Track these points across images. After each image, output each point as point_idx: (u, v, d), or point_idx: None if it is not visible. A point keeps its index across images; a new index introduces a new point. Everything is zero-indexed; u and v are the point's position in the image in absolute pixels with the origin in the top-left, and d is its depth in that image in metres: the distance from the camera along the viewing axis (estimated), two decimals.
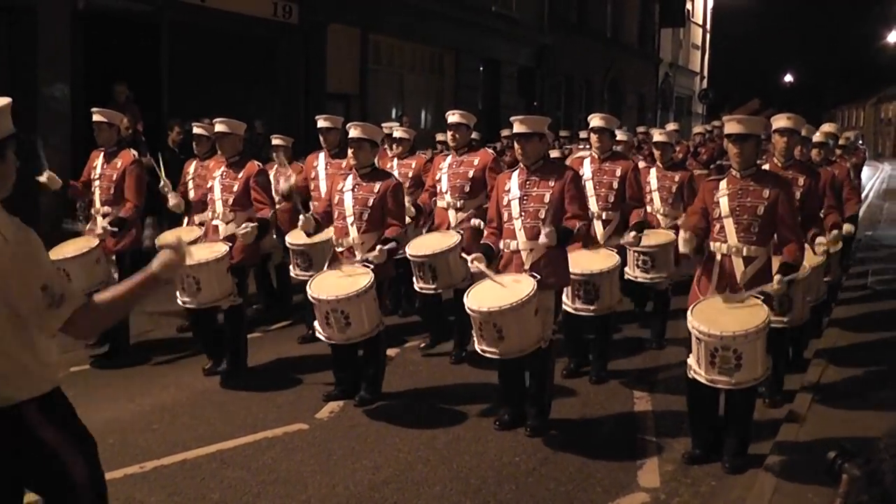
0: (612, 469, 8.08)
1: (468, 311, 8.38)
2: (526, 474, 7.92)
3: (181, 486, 7.60)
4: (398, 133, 13.60)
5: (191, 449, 8.40)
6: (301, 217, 9.98)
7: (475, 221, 11.09)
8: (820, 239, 9.79)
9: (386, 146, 13.82)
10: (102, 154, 11.47)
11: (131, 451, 8.29)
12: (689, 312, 7.85)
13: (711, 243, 8.27)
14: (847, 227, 12.06)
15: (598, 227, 10.86)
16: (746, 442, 8.04)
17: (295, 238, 11.89)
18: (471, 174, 11.31)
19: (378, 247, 9.49)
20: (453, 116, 11.60)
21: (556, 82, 38.57)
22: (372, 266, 9.40)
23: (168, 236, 11.69)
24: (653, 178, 12.36)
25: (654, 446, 8.68)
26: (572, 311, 10.32)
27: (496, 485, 7.70)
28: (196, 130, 12.72)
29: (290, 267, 12.27)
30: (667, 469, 8.11)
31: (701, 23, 61.52)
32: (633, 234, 10.79)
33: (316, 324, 9.46)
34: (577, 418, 9.47)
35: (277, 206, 12.64)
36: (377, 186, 9.77)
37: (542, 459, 8.26)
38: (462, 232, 10.99)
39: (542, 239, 8.50)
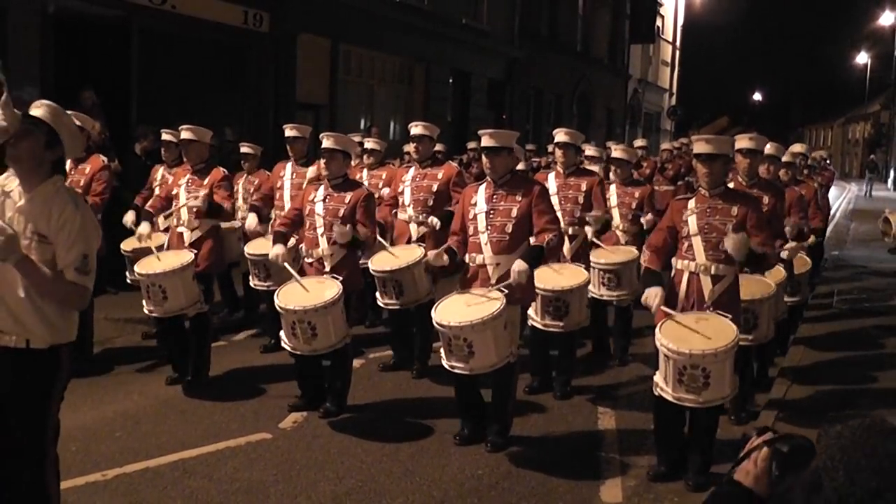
0: (575, 484, 8.09)
1: (437, 326, 8.33)
2: (489, 488, 7.92)
3: (143, 495, 7.56)
4: (369, 144, 13.62)
5: (153, 457, 8.34)
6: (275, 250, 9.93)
7: (432, 219, 11.07)
8: (787, 246, 9.91)
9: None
10: (71, 159, 11.35)
11: (93, 458, 8.25)
12: (657, 330, 7.84)
13: (679, 261, 8.29)
14: (810, 240, 12.19)
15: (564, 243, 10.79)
16: (709, 459, 8.04)
17: (254, 248, 11.89)
18: (434, 188, 11.31)
19: (347, 226, 9.50)
20: (416, 128, 11.60)
21: (526, 95, 38.62)
22: (340, 277, 9.38)
23: (133, 242, 11.65)
24: (612, 194, 12.37)
25: (617, 462, 8.70)
26: (541, 328, 10.31)
27: (458, 498, 7.70)
28: (165, 137, 12.68)
29: (250, 276, 12.26)
30: (629, 485, 8.12)
31: (671, 40, 61.67)
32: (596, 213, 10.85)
33: (282, 334, 9.43)
34: (540, 433, 9.46)
35: (244, 214, 12.64)
36: (348, 197, 9.75)
37: (504, 473, 8.26)
38: (424, 245, 10.94)
39: (513, 277, 8.43)
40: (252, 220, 10.28)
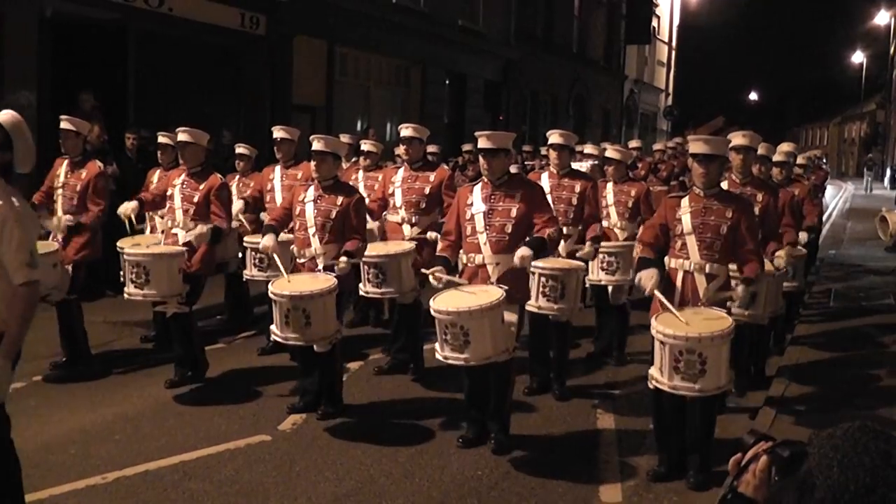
0: (574, 484, 8.11)
1: (434, 313, 8.26)
2: (488, 488, 7.94)
3: (143, 498, 7.57)
4: (366, 146, 13.61)
5: (153, 460, 8.36)
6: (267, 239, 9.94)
7: (431, 234, 11.06)
8: (779, 252, 9.89)
9: (352, 159, 13.92)
10: (67, 162, 11.33)
11: (93, 461, 8.26)
12: (653, 319, 7.87)
13: (672, 260, 8.31)
14: (802, 236, 12.19)
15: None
16: (709, 458, 8.04)
17: (254, 237, 11.85)
18: (427, 190, 11.29)
19: (342, 258, 9.47)
20: (406, 130, 11.54)
21: (522, 97, 38.59)
22: (334, 274, 9.38)
23: (129, 240, 11.65)
24: (609, 192, 12.38)
25: (617, 462, 8.71)
26: (535, 310, 10.28)
27: (458, 499, 7.72)
28: (161, 140, 12.69)
29: (247, 268, 12.27)
30: (629, 484, 8.14)
31: (667, 40, 61.66)
32: (590, 246, 10.79)
33: (273, 327, 9.41)
34: (539, 434, 9.47)
35: (242, 216, 12.61)
36: (340, 199, 9.74)
37: (504, 474, 8.28)
38: (416, 243, 10.97)
39: (517, 262, 8.47)
40: (269, 241, 10.20)
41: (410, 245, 10.80)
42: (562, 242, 10.74)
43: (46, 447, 8.57)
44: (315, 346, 9.45)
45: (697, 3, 65.82)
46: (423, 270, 9.34)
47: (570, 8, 43.93)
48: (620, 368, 12.00)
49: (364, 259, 10.56)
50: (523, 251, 8.48)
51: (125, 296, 10.55)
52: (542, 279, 10.11)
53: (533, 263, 9.36)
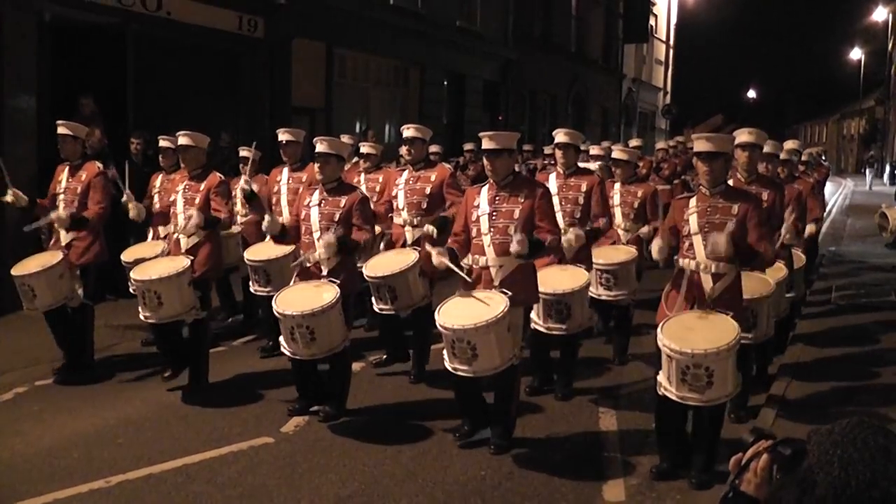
0: (578, 483, 8.10)
1: (440, 328, 8.31)
2: (492, 489, 7.93)
3: (146, 501, 7.58)
4: (365, 148, 13.57)
5: (156, 463, 8.35)
6: (266, 218, 9.94)
7: (428, 227, 11.00)
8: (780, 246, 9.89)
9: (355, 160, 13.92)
10: (67, 167, 11.35)
11: (96, 465, 8.26)
12: (659, 329, 7.85)
13: (681, 260, 8.29)
14: (810, 227, 12.27)
15: (563, 244, 10.73)
16: (713, 458, 8.00)
17: (253, 254, 11.87)
18: (428, 190, 11.21)
19: (332, 236, 9.45)
20: (408, 131, 11.47)
21: (521, 97, 38.56)
22: (338, 281, 9.37)
23: (134, 252, 11.67)
24: (616, 193, 12.40)
25: (620, 461, 8.71)
26: (544, 331, 10.28)
27: (462, 499, 7.71)
28: (162, 143, 12.68)
29: (250, 282, 12.25)
30: (632, 483, 8.13)
31: (664, 39, 61.67)
32: (576, 232, 10.80)
33: (281, 339, 9.42)
34: (542, 434, 9.45)
35: (243, 219, 12.62)
36: (343, 201, 9.73)
37: (507, 474, 8.27)
38: (419, 249, 10.83)
39: (514, 247, 8.39)
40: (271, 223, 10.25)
41: (414, 255, 10.68)
42: (567, 245, 10.72)
43: (49, 451, 8.59)
44: None
45: (695, 2, 65.85)
46: (428, 247, 9.25)
47: (568, 7, 43.91)
48: (623, 368, 11.99)
49: (370, 279, 10.60)
50: (520, 236, 8.40)
51: (142, 318, 10.57)
52: (548, 303, 10.09)
53: (539, 288, 9.40)
